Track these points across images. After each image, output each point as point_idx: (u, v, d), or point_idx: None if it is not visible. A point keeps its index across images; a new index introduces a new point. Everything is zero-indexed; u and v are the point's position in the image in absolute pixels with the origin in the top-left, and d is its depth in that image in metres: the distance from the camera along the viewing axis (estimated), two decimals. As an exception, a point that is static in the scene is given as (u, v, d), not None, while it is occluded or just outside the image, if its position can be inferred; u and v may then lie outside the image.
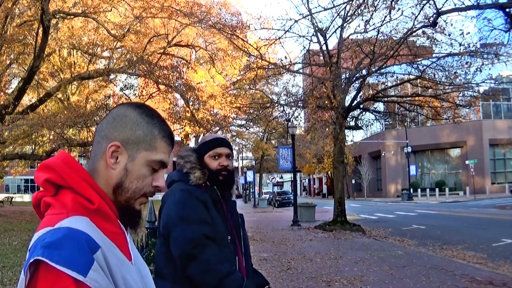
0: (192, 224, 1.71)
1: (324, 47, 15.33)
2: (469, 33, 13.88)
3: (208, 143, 1.91)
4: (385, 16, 12.65)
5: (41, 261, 0.74)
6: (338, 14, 14.62)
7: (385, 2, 11.81)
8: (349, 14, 14.18)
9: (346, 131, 18.09)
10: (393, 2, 11.27)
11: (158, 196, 1.94)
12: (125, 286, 0.84)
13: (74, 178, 0.87)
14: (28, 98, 20.96)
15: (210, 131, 18.87)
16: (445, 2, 11.74)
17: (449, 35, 13.03)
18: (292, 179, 22.44)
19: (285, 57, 16.84)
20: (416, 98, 16.18)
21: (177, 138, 27.61)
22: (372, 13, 12.81)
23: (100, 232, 0.84)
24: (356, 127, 19.16)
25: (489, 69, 13.78)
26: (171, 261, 1.73)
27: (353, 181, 47.83)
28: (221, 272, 1.66)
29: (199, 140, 2.01)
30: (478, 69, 13.14)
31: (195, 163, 1.86)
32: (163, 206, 1.83)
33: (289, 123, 17.93)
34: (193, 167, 1.84)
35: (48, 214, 0.84)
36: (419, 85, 16.12)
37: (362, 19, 13.55)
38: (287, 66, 16.04)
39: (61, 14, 14.66)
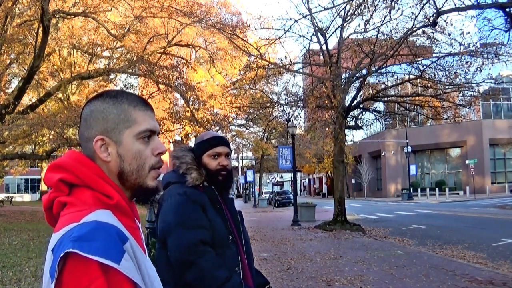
0: (188, 230, 1.68)
1: (324, 47, 15.34)
2: (469, 32, 13.86)
3: (207, 142, 1.86)
4: (385, 16, 12.67)
5: (70, 253, 0.74)
6: (338, 14, 14.64)
7: (385, 1, 11.81)
8: (349, 13, 14.18)
9: (346, 130, 18.10)
10: (393, 2, 11.27)
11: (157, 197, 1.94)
12: (148, 278, 0.85)
13: (90, 176, 0.87)
14: (28, 98, 20.97)
15: (211, 130, 18.84)
16: (445, 1, 11.70)
17: (449, 34, 13.05)
18: (292, 178, 22.45)
19: (285, 57, 16.84)
20: (416, 98, 16.19)
21: (177, 137, 27.62)
22: (372, 13, 12.81)
23: (122, 226, 0.84)
24: (356, 127, 19.16)
25: (489, 68, 13.78)
26: (171, 265, 1.70)
27: (353, 181, 47.83)
28: (219, 279, 1.63)
29: (196, 138, 1.95)
30: (478, 69, 13.14)
31: (191, 163, 1.81)
32: (160, 210, 1.80)
33: (289, 123, 17.93)
34: (189, 167, 1.80)
35: (67, 213, 0.84)
36: (419, 84, 16.11)
37: (362, 19, 13.56)
38: (287, 66, 16.04)
39: (61, 14, 14.65)
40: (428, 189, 36.04)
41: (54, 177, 0.86)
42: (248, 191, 46.92)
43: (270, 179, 54.95)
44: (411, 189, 35.24)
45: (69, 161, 0.88)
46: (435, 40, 13.52)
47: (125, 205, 0.89)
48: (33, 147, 21.94)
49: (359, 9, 13.08)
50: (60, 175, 0.86)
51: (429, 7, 11.20)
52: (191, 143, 25.77)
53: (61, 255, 0.74)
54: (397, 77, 16.23)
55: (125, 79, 21.33)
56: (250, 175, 37.92)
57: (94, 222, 0.78)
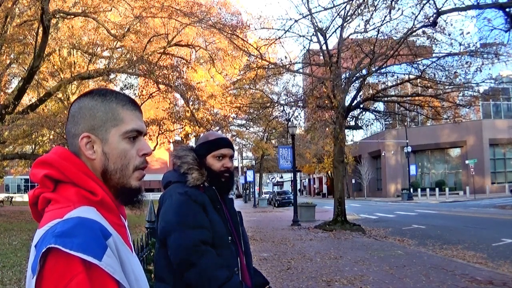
0: (189, 230, 1.68)
1: (324, 47, 15.33)
2: (469, 33, 13.88)
3: (212, 142, 1.86)
4: (385, 16, 12.68)
5: (52, 248, 0.73)
6: (338, 14, 14.64)
7: (385, 2, 11.82)
8: (349, 13, 14.18)
9: (346, 130, 18.10)
10: (393, 2, 11.28)
11: (157, 196, 1.93)
12: (133, 275, 0.85)
13: (75, 172, 0.86)
14: (28, 98, 20.95)
15: (211, 130, 18.85)
16: (445, 1, 11.76)
17: (449, 34, 13.04)
18: (292, 178, 22.46)
19: (285, 57, 16.86)
20: (416, 98, 16.18)
21: (177, 137, 27.62)
22: (372, 13, 12.83)
23: (107, 222, 0.84)
24: (356, 127, 19.15)
25: (489, 69, 13.78)
26: (171, 265, 1.71)
27: (353, 181, 47.82)
28: (219, 279, 1.64)
29: (200, 138, 1.95)
30: (478, 69, 13.14)
31: (193, 163, 1.82)
32: (161, 209, 1.81)
33: (289, 123, 17.93)
34: (191, 167, 1.80)
35: (51, 209, 0.83)
36: (419, 84, 16.11)
37: (362, 19, 13.56)
38: (287, 66, 16.04)
39: (61, 14, 14.65)
40: (428, 189, 36.02)
41: (40, 173, 0.86)
42: (248, 191, 46.93)
43: (270, 179, 54.95)
44: (411, 189, 35.23)
45: (55, 157, 0.88)
46: (435, 40, 13.52)
47: (110, 201, 0.89)
48: (33, 147, 21.92)
49: (359, 9, 13.09)
50: (45, 171, 0.86)
51: (429, 7, 11.20)
52: (191, 143, 25.84)
53: (43, 250, 0.74)
54: (397, 77, 16.23)
55: (125, 79, 21.33)
56: (250, 175, 37.92)
57: (77, 218, 0.78)
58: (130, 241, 0.94)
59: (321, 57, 16.27)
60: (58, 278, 0.73)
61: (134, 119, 0.94)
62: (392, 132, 41.62)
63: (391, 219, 17.69)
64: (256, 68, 16.17)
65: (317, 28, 15.05)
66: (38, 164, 0.88)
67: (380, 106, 20.51)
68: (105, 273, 0.76)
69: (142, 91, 18.62)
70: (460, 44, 13.00)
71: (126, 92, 20.75)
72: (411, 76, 15.34)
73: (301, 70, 17.86)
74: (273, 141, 40.74)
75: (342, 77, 15.10)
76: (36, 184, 0.86)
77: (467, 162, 33.28)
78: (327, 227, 13.68)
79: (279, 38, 15.25)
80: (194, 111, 18.71)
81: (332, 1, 14.48)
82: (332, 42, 26.71)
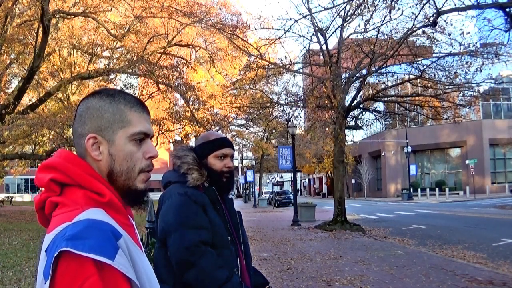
0: (189, 230, 1.68)
1: (324, 47, 15.33)
2: (469, 33, 13.82)
3: (213, 142, 1.86)
4: (385, 16, 12.68)
5: (64, 252, 0.73)
6: (338, 14, 14.64)
7: (385, 2, 11.83)
8: (349, 13, 14.19)
9: (346, 130, 18.09)
10: (393, 2, 11.29)
11: (157, 196, 1.93)
12: (145, 274, 0.85)
13: (81, 175, 0.86)
14: (28, 98, 20.97)
15: (210, 130, 18.85)
16: (445, 1, 11.74)
17: (449, 34, 13.04)
18: (292, 179, 22.46)
19: (285, 57, 16.86)
20: (416, 98, 16.19)
21: (177, 137, 27.62)
22: (372, 13, 12.83)
23: (116, 223, 0.84)
24: (356, 127, 19.15)
25: (489, 68, 13.77)
26: (170, 265, 1.70)
27: (353, 181, 47.82)
28: (219, 279, 1.63)
29: (198, 138, 1.95)
30: (478, 69, 13.14)
31: (193, 163, 1.81)
32: (160, 209, 1.81)
33: (289, 123, 17.93)
34: (191, 168, 1.80)
35: (59, 213, 0.83)
36: (419, 84, 16.11)
37: (362, 19, 13.57)
38: (287, 66, 16.04)
39: (61, 14, 14.65)
40: (428, 189, 36.04)
41: (45, 177, 0.86)
42: (248, 191, 46.93)
43: (270, 179, 54.94)
44: (411, 189, 35.23)
45: (60, 161, 0.88)
46: (435, 40, 13.52)
47: (118, 202, 0.89)
48: (33, 147, 21.96)
49: (359, 9, 13.10)
50: (51, 175, 0.86)
51: (429, 7, 11.21)
52: (191, 143, 25.81)
53: (55, 254, 0.74)
54: (397, 77, 16.23)
55: (125, 79, 21.33)
56: (250, 175, 37.92)
57: (87, 221, 0.78)
58: (139, 240, 0.94)
59: (321, 57, 16.27)
60: (71, 281, 0.73)
61: (141, 121, 0.93)
62: (392, 132, 41.63)
63: (391, 219, 17.69)
64: (256, 68, 16.17)
65: (317, 28, 15.05)
66: (43, 168, 0.88)
67: (380, 106, 20.50)
68: (118, 274, 0.76)
69: (142, 91, 18.62)
70: (460, 44, 13.01)
71: (126, 91, 20.73)
72: (411, 76, 15.33)
73: (301, 70, 17.86)
74: (273, 141, 40.75)
75: (342, 77, 15.09)
76: (35, 185, 0.86)
77: (467, 162, 33.29)
78: (327, 227, 13.68)
79: (279, 38, 15.26)
80: (194, 111, 18.72)
81: (332, 1, 14.47)
82: (332, 42, 26.74)
